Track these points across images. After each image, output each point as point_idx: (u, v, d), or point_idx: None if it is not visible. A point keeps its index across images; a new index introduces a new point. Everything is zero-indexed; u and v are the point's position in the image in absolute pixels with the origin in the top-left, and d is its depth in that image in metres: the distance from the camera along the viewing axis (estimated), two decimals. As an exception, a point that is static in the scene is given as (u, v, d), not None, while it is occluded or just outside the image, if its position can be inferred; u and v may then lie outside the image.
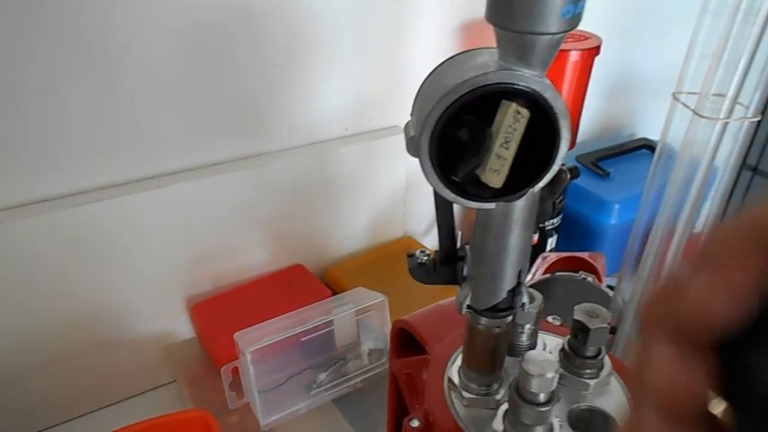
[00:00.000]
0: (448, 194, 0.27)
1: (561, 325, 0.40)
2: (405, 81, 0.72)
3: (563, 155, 0.27)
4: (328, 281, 0.74)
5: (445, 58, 0.28)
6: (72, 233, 0.56)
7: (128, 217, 0.59)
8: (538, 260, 0.73)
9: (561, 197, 0.82)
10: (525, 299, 0.33)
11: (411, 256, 0.35)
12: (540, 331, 0.39)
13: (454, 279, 0.34)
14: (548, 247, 0.85)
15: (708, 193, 0.53)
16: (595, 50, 0.61)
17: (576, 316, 0.35)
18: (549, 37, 0.24)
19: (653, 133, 0.96)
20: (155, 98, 0.58)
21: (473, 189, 0.27)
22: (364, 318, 0.65)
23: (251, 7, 0.58)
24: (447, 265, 0.34)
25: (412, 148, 0.27)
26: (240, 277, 0.70)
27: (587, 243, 0.85)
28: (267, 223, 0.69)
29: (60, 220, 0.55)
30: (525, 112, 0.25)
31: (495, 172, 0.26)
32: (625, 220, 0.82)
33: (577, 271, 0.62)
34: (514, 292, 0.32)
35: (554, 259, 0.72)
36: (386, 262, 0.76)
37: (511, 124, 0.25)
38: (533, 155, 0.27)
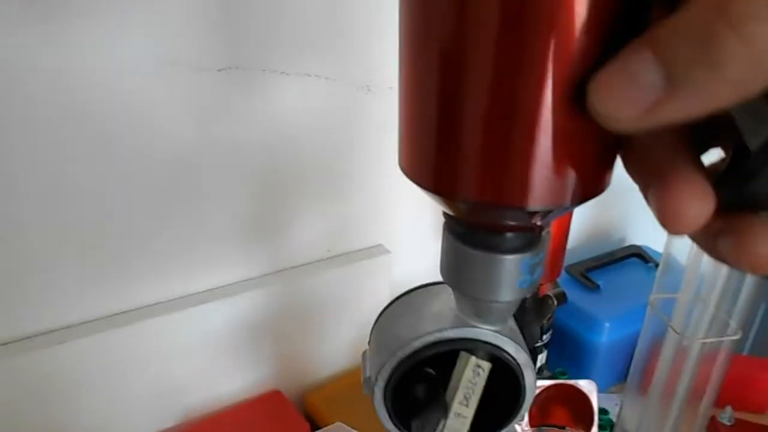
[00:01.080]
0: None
1: None
2: (388, 200, 0.71)
3: (528, 405, 0.25)
4: (308, 409, 0.71)
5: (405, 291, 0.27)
6: (31, 378, 0.53)
7: (93, 357, 0.56)
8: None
9: (551, 316, 0.80)
10: None
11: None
12: None
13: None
14: (538, 363, 0.82)
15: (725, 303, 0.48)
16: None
17: None
18: (506, 304, 0.22)
19: (643, 239, 0.95)
20: (123, 231, 0.56)
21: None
22: (341, 461, 0.61)
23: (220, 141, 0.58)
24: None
25: (368, 389, 0.25)
26: (213, 407, 0.66)
27: (578, 359, 0.82)
28: (241, 350, 0.66)
29: (16, 365, 0.52)
30: (486, 366, 0.23)
31: (454, 433, 0.24)
32: (615, 338, 0.79)
33: (563, 427, 0.59)
34: None
35: (542, 387, 0.69)
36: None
37: (470, 379, 0.24)
38: (496, 405, 0.25)
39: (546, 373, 0.83)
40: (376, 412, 0.24)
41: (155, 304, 0.61)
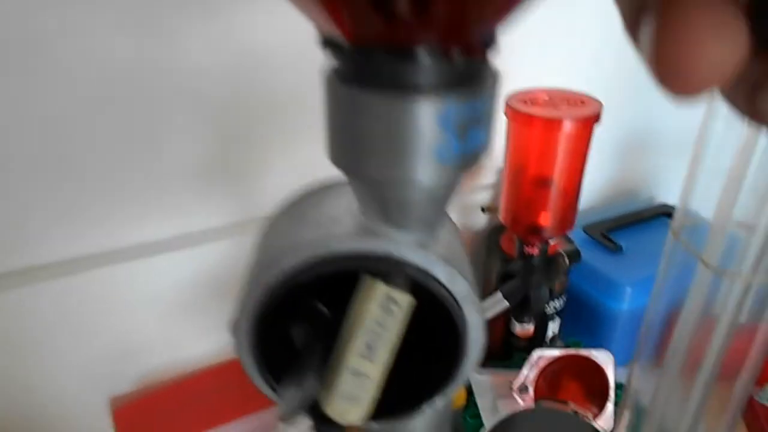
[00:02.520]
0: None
1: None
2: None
3: (473, 363, 0.17)
4: (284, 376, 0.64)
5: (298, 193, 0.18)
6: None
7: (32, 309, 0.50)
8: (533, 358, 0.61)
9: (564, 278, 0.70)
10: None
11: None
12: None
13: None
14: (549, 333, 0.73)
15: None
16: (593, 118, 0.50)
17: None
18: (423, 189, 0.14)
19: (675, 197, 0.84)
20: (66, 171, 0.49)
21: (319, 418, 0.16)
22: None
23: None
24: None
25: (233, 332, 0.17)
26: (176, 372, 0.60)
27: (595, 329, 0.73)
28: (208, 309, 0.59)
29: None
30: (402, 299, 0.15)
31: (350, 399, 0.15)
32: (639, 305, 0.69)
33: (565, 402, 0.50)
34: None
35: (551, 358, 0.60)
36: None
37: (377, 318, 0.15)
38: (429, 355, 0.16)
39: (559, 343, 0.75)
40: (244, 368, 0.16)
41: (107, 252, 0.54)
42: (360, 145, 0.13)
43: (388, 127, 0.12)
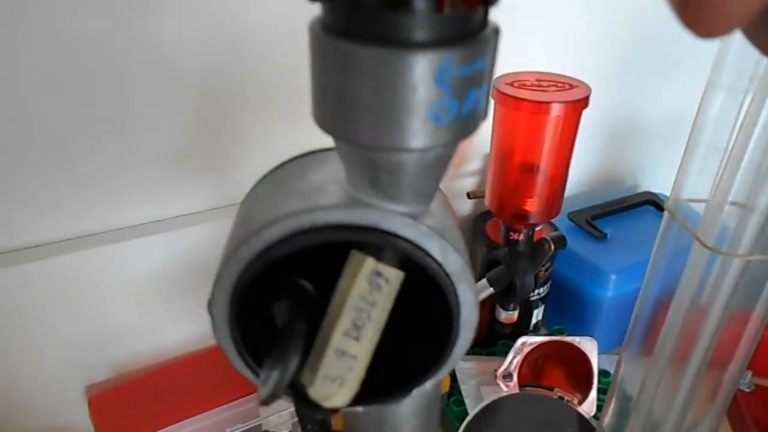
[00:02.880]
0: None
1: None
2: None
3: (468, 337, 0.16)
4: (266, 363, 0.63)
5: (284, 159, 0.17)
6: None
7: (4, 294, 0.48)
8: (517, 344, 0.61)
9: (549, 264, 0.70)
10: None
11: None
12: None
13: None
14: (534, 320, 0.73)
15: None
16: (583, 102, 0.50)
17: None
18: (417, 154, 0.12)
19: (658, 185, 0.84)
20: (38, 150, 0.47)
21: (302, 401, 0.15)
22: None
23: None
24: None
25: (209, 309, 0.16)
26: (154, 359, 0.58)
27: (579, 316, 0.73)
28: (187, 294, 0.57)
29: None
30: (393, 275, 0.14)
31: (334, 381, 0.14)
32: (624, 292, 0.70)
33: (552, 388, 0.50)
34: None
35: (535, 344, 0.60)
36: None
37: (365, 294, 0.14)
38: (412, 341, 0.15)
39: (543, 330, 0.75)
40: (221, 346, 0.15)
41: (83, 236, 0.52)
42: (349, 105, 0.12)
43: (380, 85, 0.11)
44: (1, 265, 0.48)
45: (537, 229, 0.60)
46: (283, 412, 0.53)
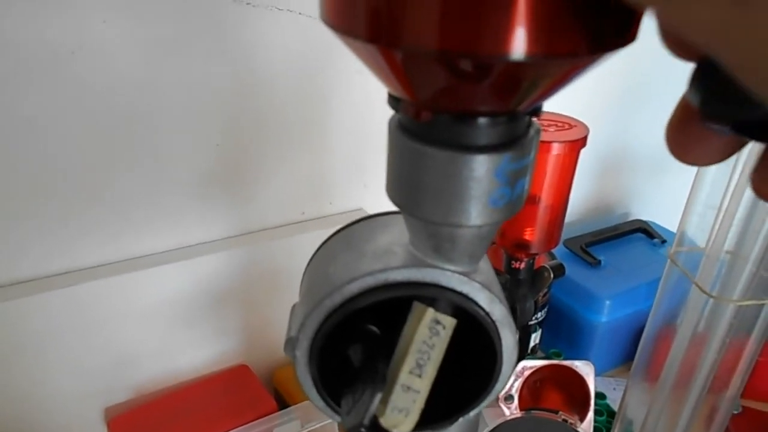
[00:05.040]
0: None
1: None
2: (371, 158, 0.64)
3: (506, 378, 0.19)
4: (276, 386, 0.65)
5: (344, 225, 0.20)
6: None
7: (29, 320, 0.50)
8: (518, 368, 0.63)
9: (546, 292, 0.73)
10: None
11: None
12: None
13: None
14: (531, 343, 0.76)
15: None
16: (581, 141, 0.53)
17: None
18: (475, 229, 0.16)
19: (649, 214, 0.88)
20: (69, 183, 0.50)
21: (374, 428, 0.18)
22: (309, 442, 0.55)
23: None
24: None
25: (289, 350, 0.19)
26: (172, 381, 0.60)
27: (575, 339, 0.76)
28: (204, 319, 0.60)
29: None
30: (448, 322, 0.17)
31: (401, 411, 0.17)
32: (617, 317, 0.73)
33: (556, 411, 0.53)
34: None
35: (535, 368, 0.63)
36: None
37: (426, 339, 0.17)
38: (461, 377, 0.18)
39: (539, 354, 0.78)
40: (299, 381, 0.18)
41: (106, 264, 0.54)
42: (421, 190, 0.15)
43: (449, 178, 0.14)
44: (27, 293, 0.50)
45: (537, 256, 0.64)
46: (296, 433, 0.55)
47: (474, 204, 0.15)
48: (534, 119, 0.15)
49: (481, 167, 0.14)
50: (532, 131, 0.15)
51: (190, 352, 0.61)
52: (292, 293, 0.67)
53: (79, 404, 0.56)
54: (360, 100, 0.61)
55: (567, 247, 0.78)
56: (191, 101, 0.52)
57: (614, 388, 0.74)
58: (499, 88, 0.13)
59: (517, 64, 0.11)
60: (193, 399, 0.59)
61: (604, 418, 0.67)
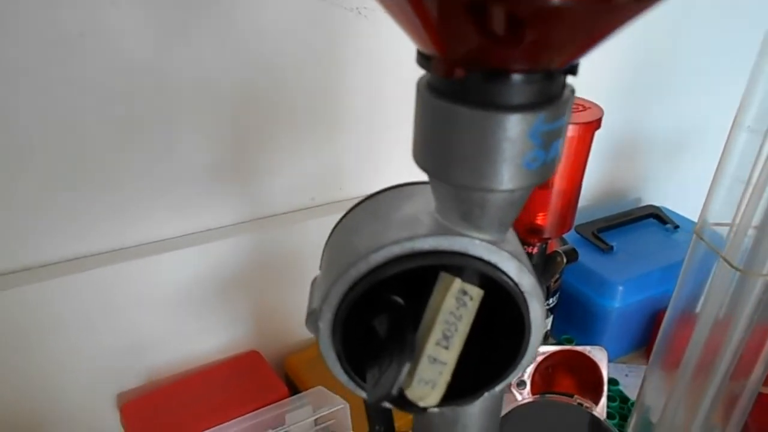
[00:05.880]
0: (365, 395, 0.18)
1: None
2: (382, 142, 0.64)
3: (534, 350, 0.18)
4: (288, 372, 0.65)
5: (368, 194, 0.20)
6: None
7: (43, 306, 0.50)
8: (530, 353, 0.63)
9: (558, 276, 0.73)
10: None
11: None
12: None
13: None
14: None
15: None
16: (596, 123, 0.52)
17: None
18: (507, 194, 0.15)
19: (661, 199, 0.87)
20: (79, 170, 0.49)
21: (400, 401, 0.18)
22: (322, 428, 0.55)
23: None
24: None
25: (311, 324, 0.18)
26: (184, 367, 0.60)
27: (587, 325, 0.76)
28: (215, 305, 0.60)
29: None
30: (475, 293, 0.16)
31: (427, 383, 0.17)
32: (630, 302, 0.72)
33: (571, 395, 0.52)
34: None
35: (547, 353, 0.62)
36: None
37: (453, 310, 0.16)
38: (489, 349, 0.18)
39: (551, 340, 0.77)
40: (322, 355, 0.18)
41: (116, 249, 0.54)
42: (451, 153, 0.14)
43: (482, 139, 0.14)
44: (39, 279, 0.50)
45: (549, 241, 0.63)
46: (308, 420, 0.55)
47: (507, 166, 0.14)
48: (569, 80, 0.15)
49: (515, 127, 0.14)
50: (567, 92, 0.15)
51: (201, 338, 0.61)
52: (303, 278, 0.66)
53: (91, 390, 0.56)
54: (370, 85, 0.60)
55: (578, 233, 0.78)
56: (201, 86, 0.51)
57: (626, 375, 0.73)
58: (535, 39, 0.12)
59: (555, 9, 0.11)
60: (204, 385, 0.59)
61: (616, 404, 0.67)
